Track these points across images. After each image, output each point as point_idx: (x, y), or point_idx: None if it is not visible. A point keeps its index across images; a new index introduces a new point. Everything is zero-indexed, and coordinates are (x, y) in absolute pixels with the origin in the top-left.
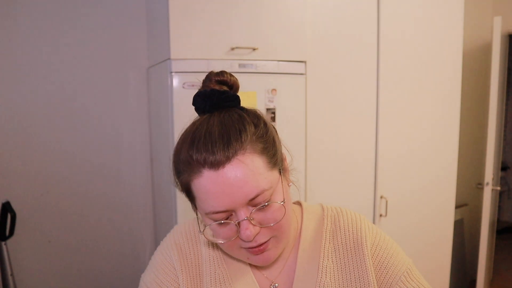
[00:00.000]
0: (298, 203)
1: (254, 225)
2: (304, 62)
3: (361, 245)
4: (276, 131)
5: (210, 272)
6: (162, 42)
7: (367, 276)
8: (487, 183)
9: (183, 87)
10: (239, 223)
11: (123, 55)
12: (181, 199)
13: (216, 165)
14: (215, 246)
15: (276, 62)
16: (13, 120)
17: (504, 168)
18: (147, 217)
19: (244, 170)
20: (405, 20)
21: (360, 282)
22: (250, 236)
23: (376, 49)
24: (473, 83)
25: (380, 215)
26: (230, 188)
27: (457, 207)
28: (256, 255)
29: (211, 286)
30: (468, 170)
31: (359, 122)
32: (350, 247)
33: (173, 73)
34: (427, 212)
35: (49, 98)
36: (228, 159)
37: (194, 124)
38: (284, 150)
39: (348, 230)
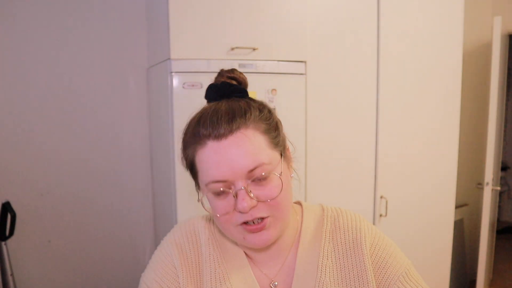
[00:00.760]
0: (299, 203)
1: (251, 197)
2: (304, 62)
3: (360, 245)
4: (280, 122)
5: (210, 271)
6: (162, 42)
7: (366, 275)
8: (487, 183)
9: (183, 87)
10: (236, 194)
11: (123, 55)
12: (181, 199)
13: (219, 136)
14: (215, 245)
15: (276, 62)
16: (13, 120)
17: (504, 168)
18: (147, 217)
19: (246, 143)
20: (405, 20)
21: (359, 281)
22: (246, 208)
23: (376, 49)
24: (473, 83)
25: (380, 215)
26: (231, 158)
27: (457, 207)
28: (253, 233)
29: (211, 284)
30: (468, 170)
31: (359, 121)
32: (350, 247)
33: (173, 73)
34: (427, 212)
35: (49, 98)
36: (231, 132)
37: (203, 107)
38: (287, 143)
39: (348, 230)
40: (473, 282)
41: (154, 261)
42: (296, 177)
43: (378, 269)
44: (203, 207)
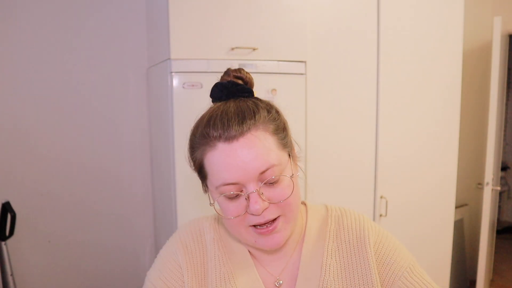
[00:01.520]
0: (303, 203)
1: (263, 200)
2: (304, 62)
3: (364, 243)
4: (287, 121)
5: (215, 270)
6: (162, 42)
7: (370, 274)
8: (487, 183)
9: (183, 87)
10: (248, 196)
11: (123, 55)
12: (181, 199)
13: (230, 138)
14: (220, 244)
15: (276, 62)
16: (13, 120)
17: (504, 168)
18: (147, 217)
19: (257, 144)
20: (405, 20)
21: (363, 280)
22: (259, 210)
23: (376, 49)
24: (473, 83)
25: (380, 215)
26: (242, 160)
27: (457, 207)
28: (265, 236)
29: (216, 283)
30: (468, 170)
31: (359, 121)
32: (354, 246)
33: (173, 73)
34: (427, 212)
35: (49, 99)
36: (241, 134)
37: (210, 108)
38: (293, 142)
39: (352, 229)
40: (473, 282)
41: (160, 260)
42: (300, 175)
43: (382, 265)
44: (215, 210)
